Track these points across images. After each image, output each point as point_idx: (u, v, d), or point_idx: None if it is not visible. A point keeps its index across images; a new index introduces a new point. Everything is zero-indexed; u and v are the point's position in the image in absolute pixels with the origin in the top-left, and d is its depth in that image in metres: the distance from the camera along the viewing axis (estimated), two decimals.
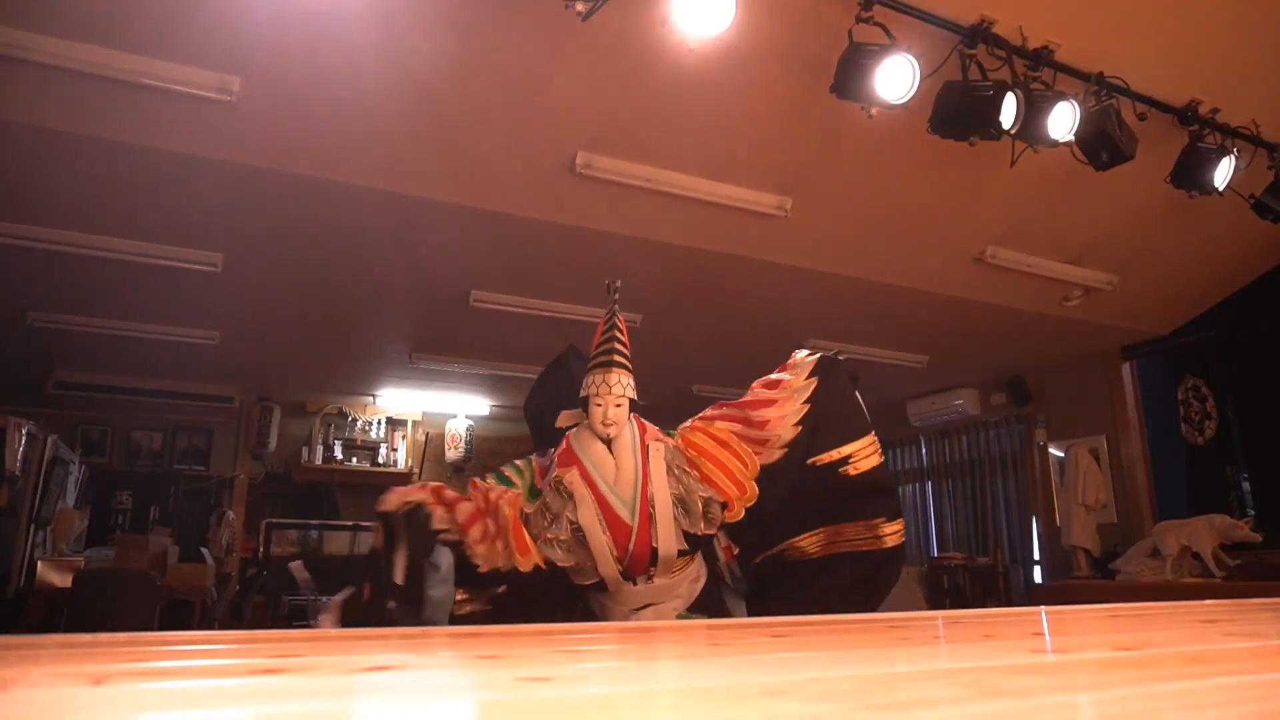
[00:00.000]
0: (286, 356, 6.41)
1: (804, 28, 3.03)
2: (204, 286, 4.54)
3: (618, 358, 2.26)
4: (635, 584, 2.21)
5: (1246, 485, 5.30)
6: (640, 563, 2.18)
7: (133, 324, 5.21)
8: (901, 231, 4.34)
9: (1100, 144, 3.35)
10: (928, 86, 3.01)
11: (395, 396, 7.68)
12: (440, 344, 6.00)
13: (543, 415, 2.51)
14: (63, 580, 5.01)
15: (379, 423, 7.87)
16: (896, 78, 2.95)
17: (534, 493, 2.26)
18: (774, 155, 3.66)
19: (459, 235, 4.12)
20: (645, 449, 2.23)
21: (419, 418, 8.03)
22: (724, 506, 2.27)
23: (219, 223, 3.93)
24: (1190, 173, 3.66)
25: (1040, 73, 3.24)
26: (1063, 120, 3.23)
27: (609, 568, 2.17)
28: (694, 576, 2.30)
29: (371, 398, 7.74)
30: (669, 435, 2.34)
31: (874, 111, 3.02)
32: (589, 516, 2.16)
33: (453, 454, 7.98)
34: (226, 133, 3.16)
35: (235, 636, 1.05)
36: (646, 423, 2.33)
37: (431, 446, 8.07)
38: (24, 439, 5.24)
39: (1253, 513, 5.06)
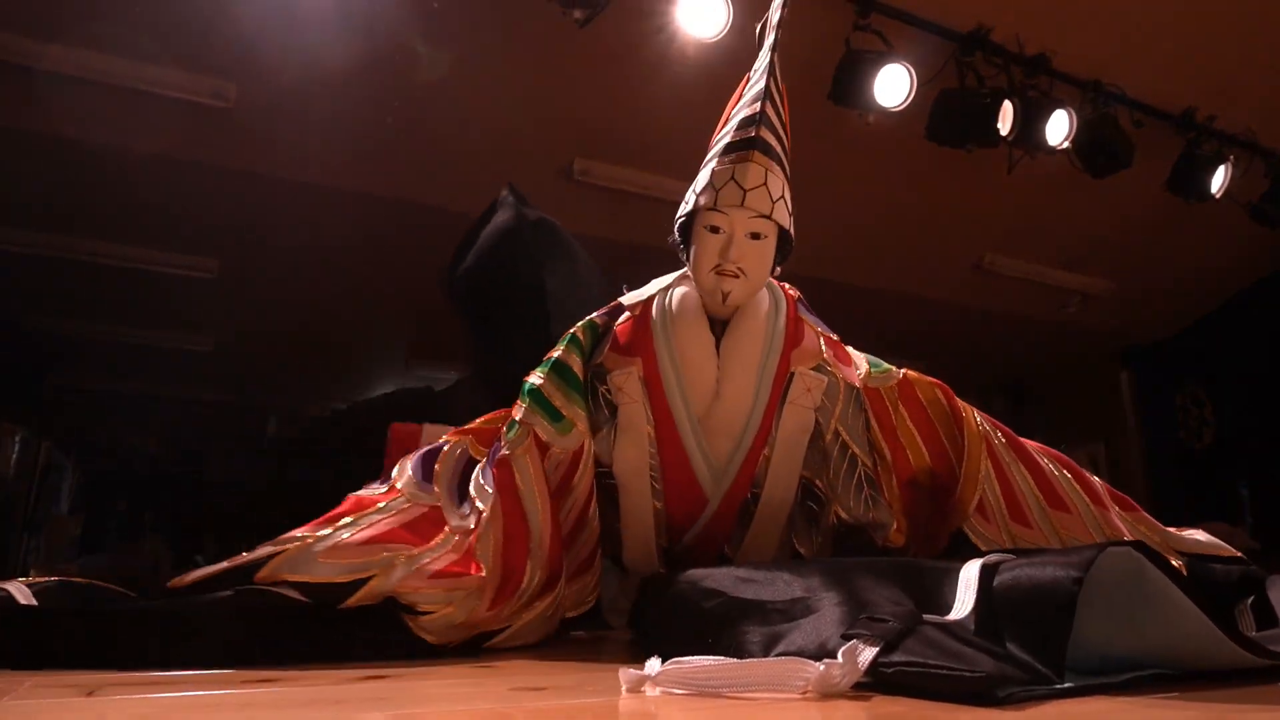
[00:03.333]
0: (282, 361, 6.39)
1: (802, 35, 3.02)
2: (199, 292, 4.52)
3: (767, 134, 1.20)
4: None
5: (1245, 492, 5.30)
6: (696, 563, 1.17)
7: (128, 329, 5.19)
8: (899, 239, 4.34)
9: (1097, 151, 3.36)
10: (925, 94, 3.01)
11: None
12: (437, 351, 5.99)
13: (480, 293, 1.56)
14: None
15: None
16: (894, 85, 2.95)
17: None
18: None
19: (456, 241, 4.11)
20: (786, 373, 1.22)
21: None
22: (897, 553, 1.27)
23: (214, 229, 3.92)
24: (1187, 179, 3.67)
25: (1037, 80, 3.24)
26: (1060, 127, 3.24)
27: (642, 551, 1.23)
28: None
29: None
30: (861, 372, 1.30)
31: (871, 119, 3.02)
32: (632, 458, 1.20)
33: None
34: (222, 138, 3.15)
35: None
36: (808, 316, 1.31)
37: None
38: (18, 445, 5.22)
39: (1250, 520, 5.06)
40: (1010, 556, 0.78)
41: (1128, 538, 1.15)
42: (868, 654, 0.66)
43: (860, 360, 1.32)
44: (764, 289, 1.26)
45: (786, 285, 1.34)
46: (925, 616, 0.72)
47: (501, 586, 1.02)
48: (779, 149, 1.23)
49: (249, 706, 0.66)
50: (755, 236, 1.18)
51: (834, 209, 4.04)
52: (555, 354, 1.23)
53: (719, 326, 1.22)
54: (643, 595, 1.06)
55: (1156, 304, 5.31)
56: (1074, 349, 5.90)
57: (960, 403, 1.30)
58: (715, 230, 1.18)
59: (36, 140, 3.06)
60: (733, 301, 1.19)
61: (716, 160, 1.21)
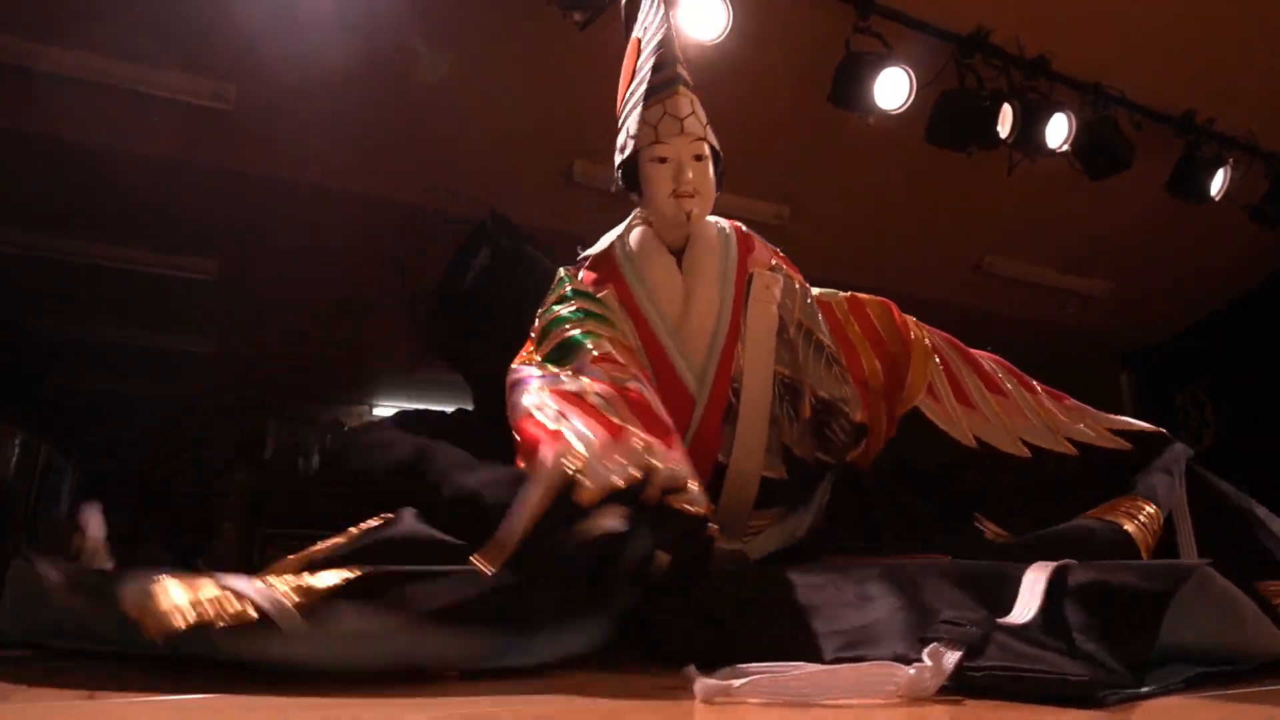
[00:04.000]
0: (282, 365, 6.38)
1: (802, 38, 3.03)
2: (199, 294, 4.52)
3: (681, 70, 1.34)
4: None
5: (1246, 494, 5.29)
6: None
7: (128, 331, 5.19)
8: (899, 240, 4.34)
9: (1097, 153, 3.36)
10: (925, 96, 3.01)
11: (393, 406, 7.65)
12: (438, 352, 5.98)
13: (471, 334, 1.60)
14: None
15: None
16: (894, 87, 2.96)
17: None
18: (772, 164, 3.66)
19: (457, 242, 4.11)
20: (745, 276, 1.31)
21: None
22: (860, 431, 1.34)
23: (214, 230, 3.92)
24: (1187, 181, 3.67)
25: (1037, 82, 3.25)
26: (1059, 130, 3.24)
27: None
28: (786, 539, 1.33)
29: (368, 406, 7.71)
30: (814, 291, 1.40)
31: (871, 120, 3.02)
32: None
33: None
34: (222, 140, 3.15)
35: None
36: (754, 234, 1.43)
37: None
38: (18, 448, 5.21)
39: None
40: (1073, 562, 0.78)
41: (1059, 418, 1.33)
42: (951, 658, 0.65)
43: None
44: (714, 225, 1.40)
45: (734, 221, 1.45)
46: (998, 621, 0.72)
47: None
48: (691, 78, 1.37)
49: (250, 711, 0.66)
50: (698, 158, 1.32)
51: (834, 210, 4.04)
52: (564, 290, 1.33)
53: (675, 255, 1.35)
54: (668, 601, 1.00)
55: (1156, 305, 5.32)
56: (1074, 350, 5.89)
57: (906, 316, 1.44)
58: (663, 160, 1.31)
59: (37, 141, 3.07)
60: (695, 219, 1.32)
61: (643, 104, 1.33)
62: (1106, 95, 3.36)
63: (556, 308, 1.29)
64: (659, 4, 1.40)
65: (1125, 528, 1.12)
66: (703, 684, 0.67)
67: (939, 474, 1.33)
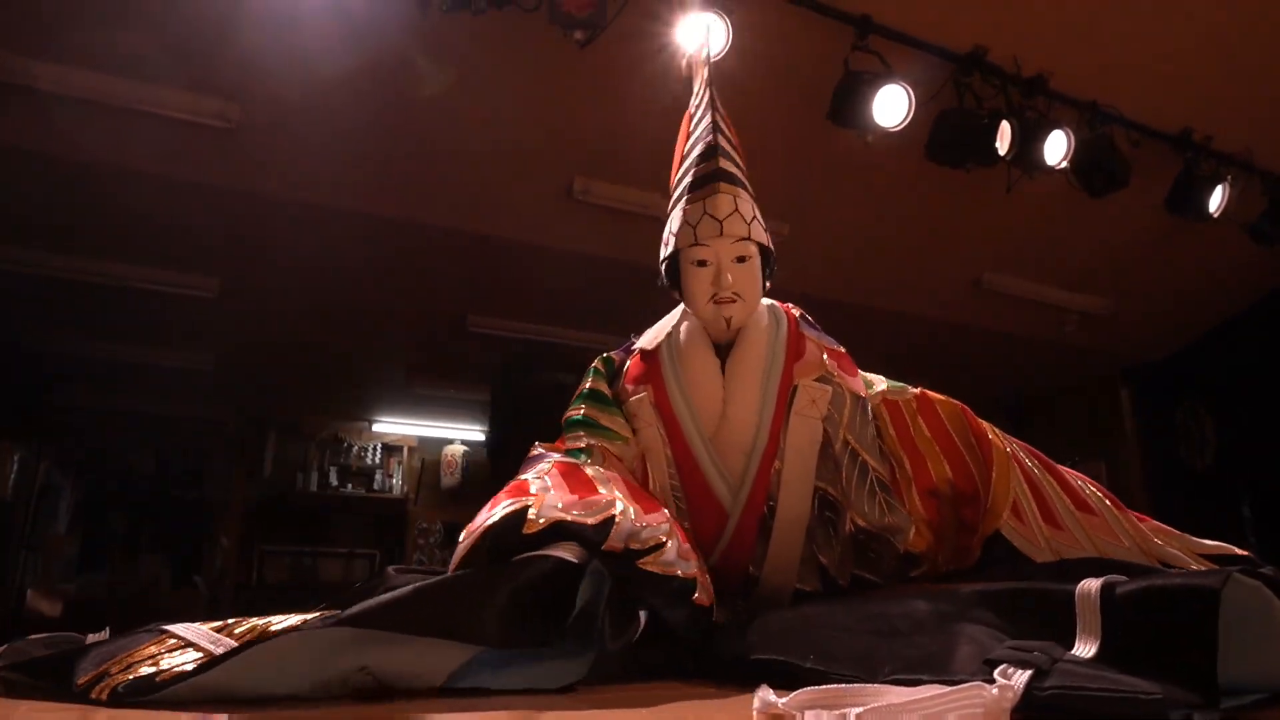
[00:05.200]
0: (282, 381, 6.39)
1: (801, 56, 3.05)
2: (200, 311, 4.53)
3: (726, 164, 1.27)
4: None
5: (1248, 512, 5.28)
6: (724, 582, 1.20)
7: (128, 348, 5.19)
8: (898, 257, 4.35)
9: (1095, 171, 3.38)
10: (924, 114, 3.03)
11: (391, 422, 7.65)
12: (437, 369, 5.99)
13: None
14: (52, 609, 4.95)
15: (374, 448, 7.83)
16: (892, 105, 2.97)
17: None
18: (771, 182, 3.66)
19: (456, 260, 4.12)
20: (789, 387, 1.23)
21: (415, 443, 7.99)
22: (911, 561, 1.25)
23: (216, 248, 3.93)
24: (1185, 199, 3.68)
25: (1035, 100, 3.26)
26: (1057, 147, 3.26)
27: None
28: None
29: (367, 423, 7.71)
30: (881, 387, 1.34)
31: (870, 139, 3.04)
32: (654, 480, 1.23)
33: (448, 480, 7.93)
34: (224, 159, 3.17)
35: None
36: (810, 331, 1.32)
37: (427, 473, 8.03)
38: (16, 465, 5.21)
39: (1254, 540, 5.04)
40: (1121, 578, 0.75)
41: (1154, 541, 1.19)
42: (1021, 677, 0.63)
43: (876, 379, 1.36)
44: (764, 310, 1.31)
45: (790, 305, 1.37)
46: (1064, 654, 0.70)
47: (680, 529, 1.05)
48: (739, 173, 1.29)
49: None
50: (740, 260, 1.24)
51: (834, 228, 4.06)
52: (585, 386, 1.30)
53: (723, 351, 1.27)
54: (723, 628, 1.02)
55: (1156, 322, 5.32)
56: (1073, 367, 5.90)
57: (981, 421, 1.32)
58: (703, 264, 1.24)
59: (40, 159, 3.08)
60: (735, 324, 1.24)
61: (686, 199, 1.27)
62: (1104, 113, 3.38)
63: (575, 404, 1.28)
64: (705, 82, 1.34)
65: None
66: (762, 695, 0.65)
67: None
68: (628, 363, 1.32)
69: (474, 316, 4.80)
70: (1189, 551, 1.19)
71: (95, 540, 6.81)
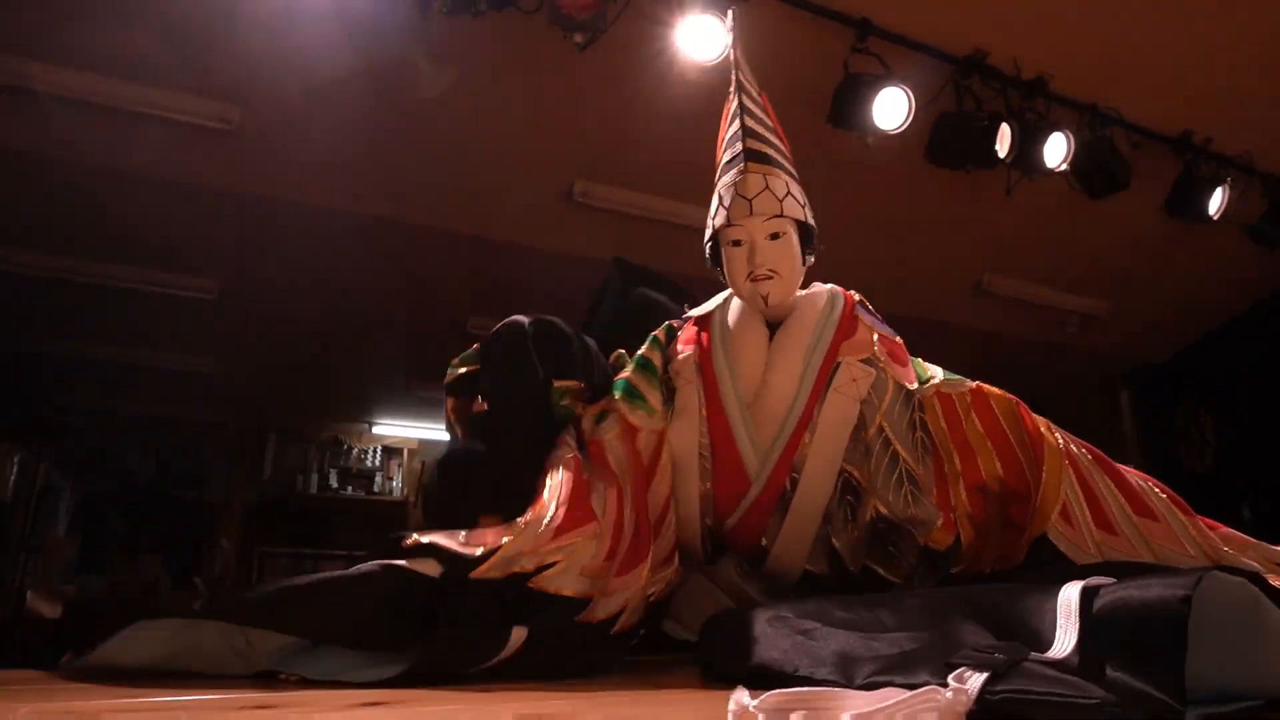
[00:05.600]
0: (282, 384, 6.38)
1: (801, 59, 3.05)
2: (199, 313, 4.53)
3: (754, 144, 1.28)
4: (722, 565, 1.28)
5: (1248, 514, 5.28)
6: (737, 548, 1.28)
7: (127, 350, 5.19)
8: (899, 259, 4.35)
9: (1095, 173, 3.38)
10: (923, 116, 3.03)
11: (391, 424, 7.65)
12: (437, 372, 5.97)
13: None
14: (52, 610, 4.95)
15: (375, 451, 7.83)
16: (893, 108, 2.98)
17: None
18: None
19: (457, 262, 4.12)
20: (832, 363, 1.24)
21: (415, 446, 7.99)
22: (946, 557, 1.23)
23: (215, 250, 3.93)
24: (1185, 201, 3.69)
25: (1034, 103, 3.27)
26: (1057, 149, 3.26)
27: (689, 532, 1.25)
28: None
29: (367, 425, 7.70)
30: (936, 379, 1.30)
31: (870, 141, 3.04)
32: (687, 442, 1.25)
33: None
34: (225, 161, 3.17)
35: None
36: (866, 315, 1.35)
37: (428, 475, 8.03)
38: (16, 466, 5.20)
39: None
40: (1109, 580, 0.73)
41: (1224, 550, 1.13)
42: (976, 680, 0.63)
43: (934, 370, 1.34)
44: (822, 291, 1.35)
45: (852, 292, 1.39)
46: (1031, 654, 0.69)
47: (614, 543, 1.06)
48: (772, 151, 1.31)
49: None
50: (774, 237, 1.26)
51: (834, 230, 4.05)
52: (641, 351, 1.32)
53: (775, 328, 1.30)
54: (713, 626, 1.03)
55: (1156, 324, 5.32)
56: (1073, 369, 5.90)
57: (1035, 416, 1.29)
58: (737, 244, 1.26)
59: (39, 162, 3.08)
60: (773, 301, 1.26)
61: (720, 184, 1.30)
62: (1104, 115, 3.39)
63: (627, 368, 1.31)
64: (734, 69, 1.35)
65: None
66: (738, 701, 0.64)
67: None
68: (680, 332, 1.35)
69: (474, 319, 4.81)
70: (1267, 561, 1.12)
71: (95, 542, 6.80)
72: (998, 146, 3.11)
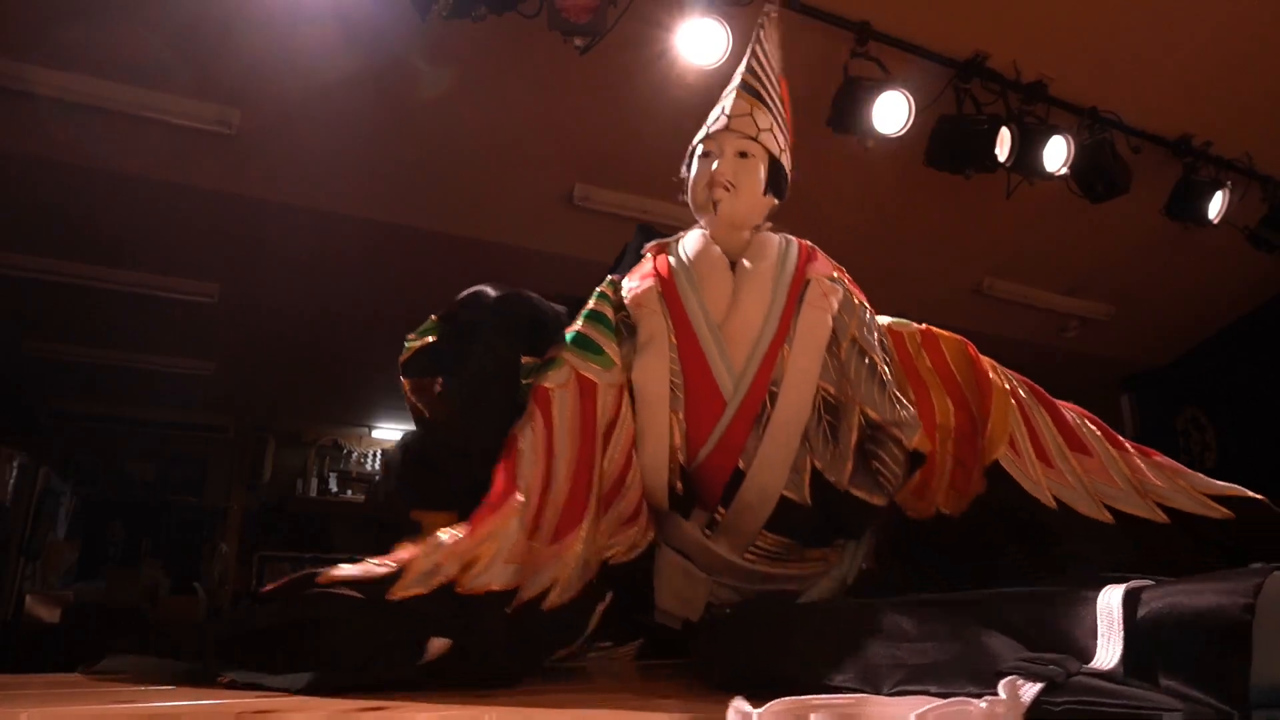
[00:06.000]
0: (281, 387, 6.38)
1: (800, 63, 3.05)
2: (199, 317, 4.53)
3: (752, 80, 1.35)
4: (690, 522, 1.21)
5: None
6: (708, 486, 1.20)
7: (127, 354, 5.19)
8: (899, 263, 4.35)
9: (1095, 177, 3.38)
10: (923, 120, 3.03)
11: (392, 428, 7.64)
12: None
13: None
14: (51, 614, 4.94)
15: (375, 455, 7.82)
16: (892, 112, 2.98)
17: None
18: None
19: (456, 266, 4.12)
20: (801, 281, 1.25)
21: None
22: (916, 459, 1.23)
23: (216, 254, 3.93)
24: (1185, 205, 3.69)
25: (1034, 106, 3.27)
26: (1057, 153, 3.26)
27: (657, 476, 1.19)
28: (837, 588, 1.24)
29: (367, 429, 7.70)
30: (884, 320, 1.33)
31: (870, 145, 3.04)
32: (656, 373, 1.19)
33: None
34: (225, 165, 3.17)
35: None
36: (819, 250, 1.36)
37: None
38: (15, 470, 5.20)
39: None
40: (1149, 583, 0.71)
41: (1154, 482, 1.17)
42: (1030, 690, 0.61)
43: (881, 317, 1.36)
44: (777, 236, 1.34)
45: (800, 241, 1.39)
46: (1081, 666, 0.67)
47: (537, 515, 1.03)
48: (766, 95, 1.35)
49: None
50: (742, 155, 1.29)
51: (834, 234, 4.05)
52: (589, 305, 1.28)
53: (734, 262, 1.28)
54: (714, 630, 1.01)
55: (1156, 328, 5.32)
56: (1074, 373, 5.89)
57: (983, 358, 1.32)
58: (706, 155, 1.30)
59: (39, 165, 3.08)
60: (723, 211, 1.26)
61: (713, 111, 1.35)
62: (1103, 119, 3.39)
63: (576, 321, 1.25)
64: (754, 46, 1.41)
65: None
66: (737, 710, 0.62)
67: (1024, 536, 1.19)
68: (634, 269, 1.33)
69: None
70: (1195, 492, 1.16)
71: (95, 546, 6.80)
72: (998, 150, 3.11)
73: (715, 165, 1.27)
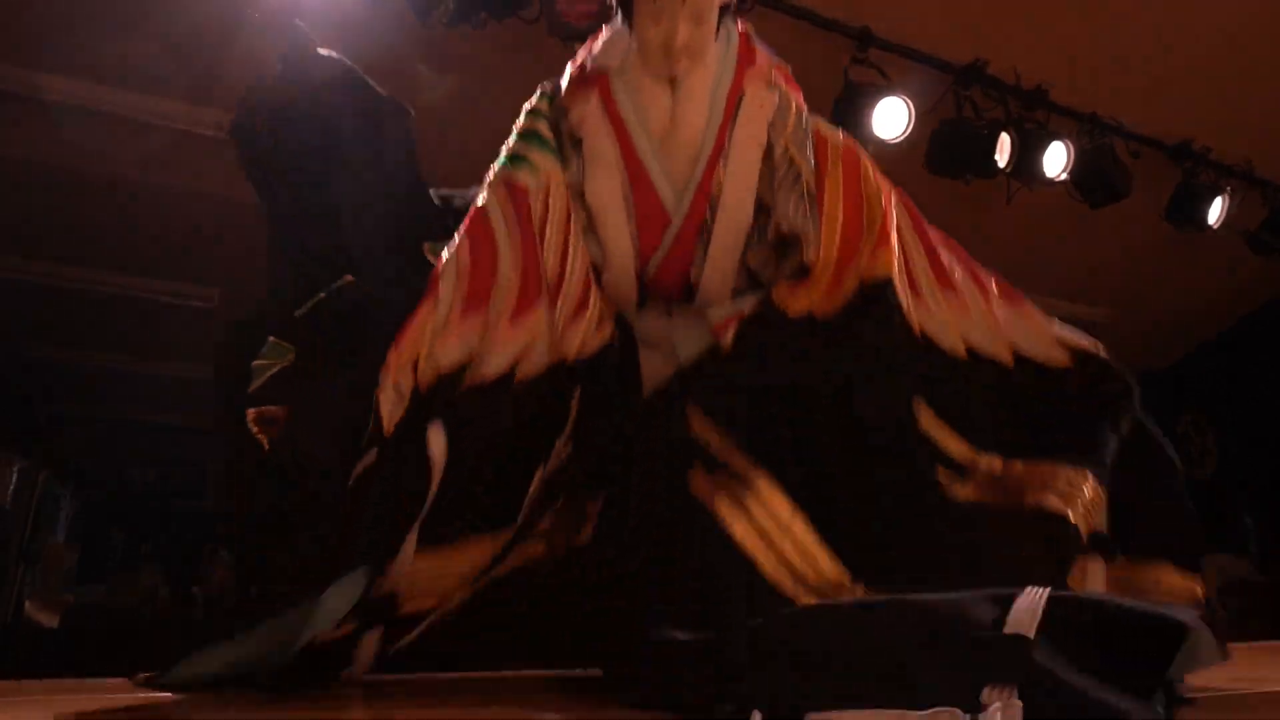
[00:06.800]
0: None
1: (800, 69, 3.06)
2: (200, 321, 4.52)
3: None
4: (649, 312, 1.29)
5: (1250, 521, 5.26)
6: (663, 289, 1.29)
7: (128, 358, 5.19)
8: None
9: (1095, 182, 3.38)
10: (923, 125, 3.04)
11: None
12: None
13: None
14: (50, 619, 4.93)
15: None
16: (892, 117, 2.98)
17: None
18: None
19: None
20: (738, 93, 1.25)
21: None
22: (804, 270, 1.26)
23: (216, 258, 3.93)
24: (1184, 209, 3.69)
25: (1034, 112, 3.27)
26: (1057, 159, 3.26)
27: (624, 279, 1.26)
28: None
29: None
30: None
31: (870, 150, 3.04)
32: (606, 187, 1.24)
33: None
34: (225, 169, 3.17)
35: None
36: (759, 45, 1.33)
37: None
38: (15, 475, 5.19)
39: (1256, 550, 5.02)
40: (1064, 595, 0.77)
41: (1006, 326, 1.29)
42: (1016, 706, 0.64)
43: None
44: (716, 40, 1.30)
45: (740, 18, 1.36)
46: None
47: (467, 303, 1.11)
48: None
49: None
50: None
51: None
52: (519, 125, 1.34)
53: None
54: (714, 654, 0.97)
55: (1156, 332, 5.32)
56: None
57: (882, 180, 1.37)
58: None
59: (40, 170, 3.08)
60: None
61: None
62: (1103, 125, 3.39)
63: (510, 142, 1.31)
64: None
65: (1070, 518, 1.09)
66: None
67: (886, 361, 1.23)
68: (561, 86, 1.35)
69: None
70: (1046, 337, 1.29)
71: (94, 550, 6.79)
72: (997, 156, 3.11)
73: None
